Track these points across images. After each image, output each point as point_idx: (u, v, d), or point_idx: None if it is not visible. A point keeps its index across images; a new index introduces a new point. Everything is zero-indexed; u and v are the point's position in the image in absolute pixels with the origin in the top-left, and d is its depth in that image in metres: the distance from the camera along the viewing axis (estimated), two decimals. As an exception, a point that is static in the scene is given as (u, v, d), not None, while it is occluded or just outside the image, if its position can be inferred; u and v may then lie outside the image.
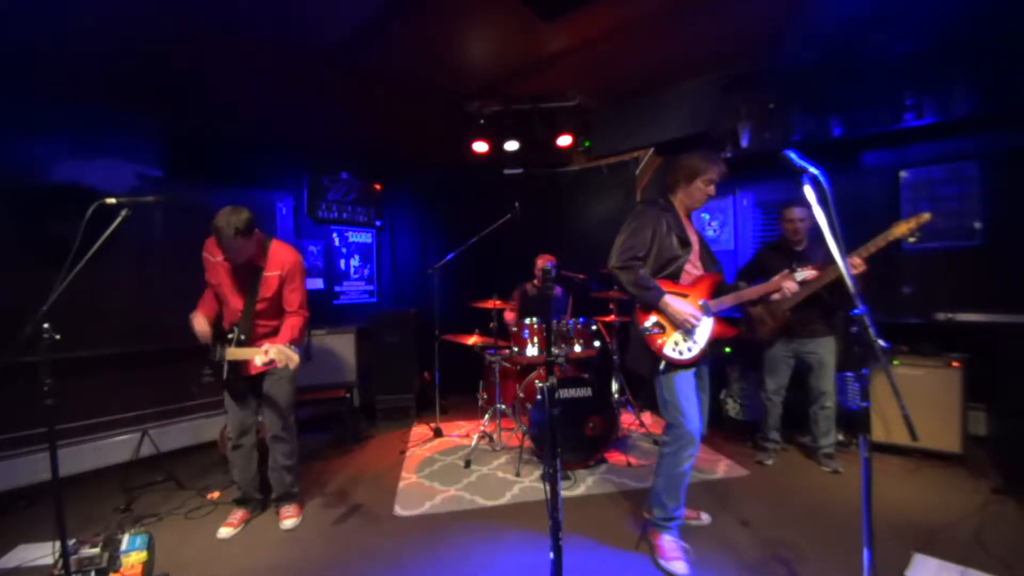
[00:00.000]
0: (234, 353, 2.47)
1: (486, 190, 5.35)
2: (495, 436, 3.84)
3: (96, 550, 2.11)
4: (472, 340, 3.96)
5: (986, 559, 2.12)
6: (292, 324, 2.58)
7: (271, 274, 2.56)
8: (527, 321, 3.64)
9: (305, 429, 2.93)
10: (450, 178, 5.66)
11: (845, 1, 2.94)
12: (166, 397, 3.86)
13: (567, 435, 3.19)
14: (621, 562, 2.25)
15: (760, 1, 2.96)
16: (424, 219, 5.89)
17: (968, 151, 3.53)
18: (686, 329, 2.21)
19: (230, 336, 2.52)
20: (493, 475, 3.28)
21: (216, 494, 3.04)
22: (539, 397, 3.31)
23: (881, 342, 1.42)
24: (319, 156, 4.99)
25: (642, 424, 4.08)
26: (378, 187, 5.47)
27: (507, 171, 5.29)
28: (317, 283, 4.99)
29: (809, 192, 1.57)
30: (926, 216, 2.54)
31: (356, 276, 5.36)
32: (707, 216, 4.75)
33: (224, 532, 2.57)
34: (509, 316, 4.08)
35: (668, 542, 2.21)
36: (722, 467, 3.27)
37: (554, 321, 3.52)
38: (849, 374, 3.47)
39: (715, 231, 4.72)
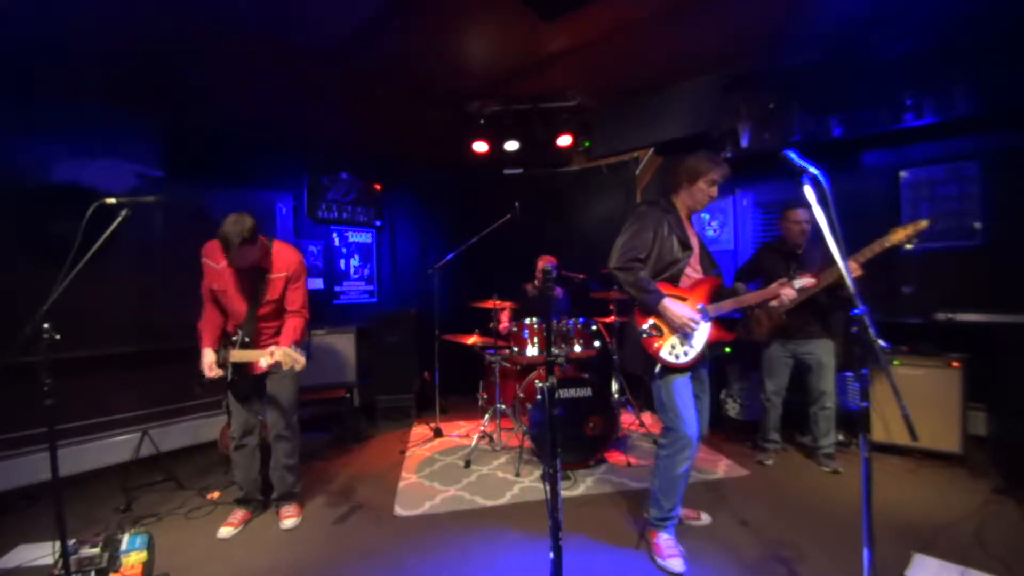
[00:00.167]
0: (239, 355, 2.48)
1: (486, 190, 5.35)
2: (495, 436, 3.85)
3: (96, 550, 2.11)
4: (472, 340, 3.95)
5: (986, 559, 2.12)
6: (294, 325, 2.58)
7: (276, 276, 2.56)
8: (527, 321, 3.64)
9: (305, 429, 2.93)
10: (450, 178, 5.66)
11: (845, 1, 2.94)
12: (166, 397, 3.86)
13: (567, 435, 3.19)
14: (621, 562, 2.25)
15: (760, 1, 2.96)
16: (424, 219, 5.89)
17: (968, 151, 3.53)
18: (684, 333, 2.20)
19: (234, 339, 2.52)
20: (493, 475, 3.28)
21: (216, 494, 3.04)
22: (539, 397, 3.31)
23: (881, 342, 1.42)
24: (319, 156, 4.99)
25: (642, 424, 4.08)
26: (378, 187, 5.47)
27: (507, 171, 5.29)
28: (317, 283, 4.99)
29: (809, 192, 1.57)
30: (924, 223, 2.54)
31: (356, 276, 5.35)
32: (707, 216, 4.75)
33: (224, 532, 2.57)
34: (503, 326, 4.03)
35: (664, 540, 2.23)
36: (722, 467, 3.27)
37: (554, 321, 3.52)
38: (849, 374, 3.48)
39: (715, 231, 4.72)
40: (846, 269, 1.52)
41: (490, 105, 4.32)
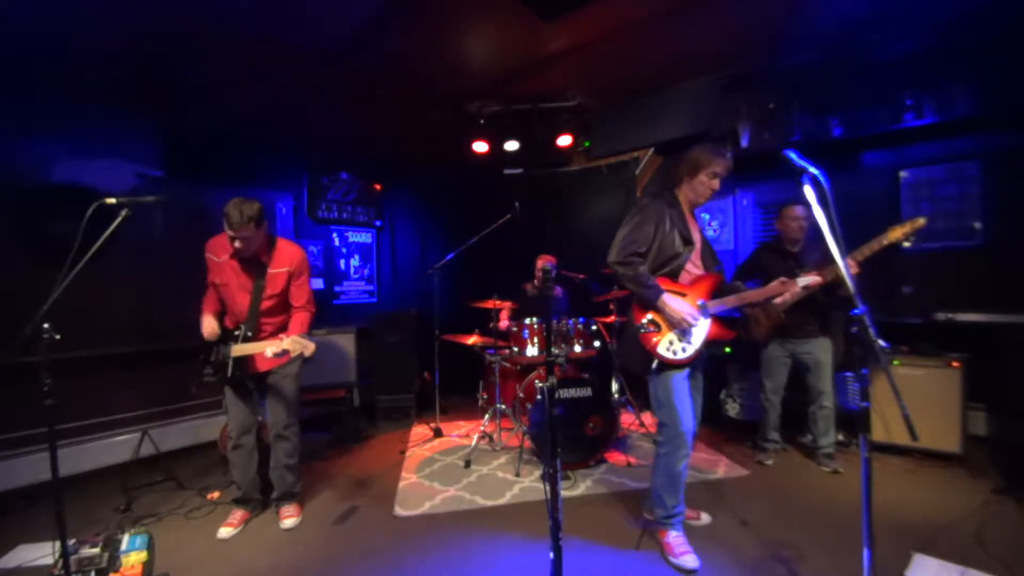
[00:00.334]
0: (241, 349, 2.48)
1: (486, 190, 5.35)
2: (495, 436, 3.84)
3: (96, 550, 2.11)
4: (472, 340, 3.96)
5: (986, 559, 2.12)
6: (301, 319, 2.61)
7: (278, 271, 2.57)
8: (527, 321, 3.64)
9: (305, 429, 2.93)
10: (450, 178, 5.66)
11: (845, 1, 2.94)
12: (166, 397, 3.86)
13: (567, 435, 3.19)
14: (621, 562, 2.25)
15: (760, 1, 2.96)
16: (424, 219, 5.89)
17: (968, 151, 3.53)
18: (682, 329, 2.19)
19: (236, 333, 2.52)
20: (493, 475, 3.28)
21: (216, 494, 3.04)
22: (539, 397, 3.31)
23: (881, 342, 1.42)
24: (319, 156, 4.99)
25: (642, 424, 4.08)
26: (378, 187, 5.47)
27: (507, 171, 5.29)
28: (317, 283, 4.99)
29: (809, 192, 1.57)
30: (921, 221, 2.54)
31: (356, 276, 5.35)
32: (707, 216, 4.75)
33: (224, 532, 2.57)
34: (503, 325, 4.02)
35: (675, 538, 2.22)
36: (722, 467, 3.27)
37: (554, 321, 3.52)
38: (849, 374, 3.48)
39: (715, 231, 4.72)
40: (846, 269, 1.52)
41: (490, 105, 4.32)
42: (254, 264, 2.55)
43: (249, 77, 3.52)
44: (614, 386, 4.15)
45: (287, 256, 2.61)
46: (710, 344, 2.25)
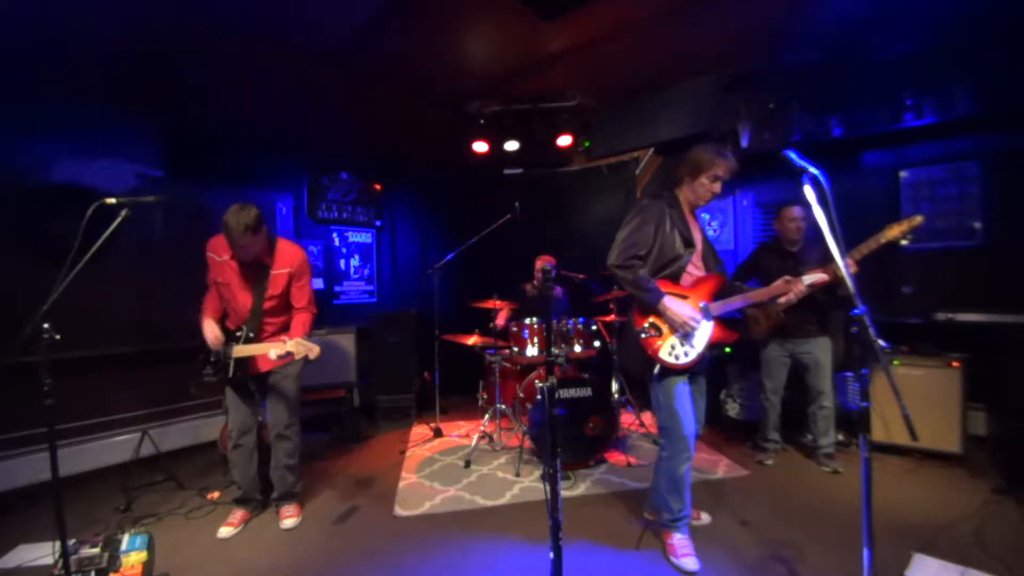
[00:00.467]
0: (242, 350, 2.48)
1: (486, 190, 5.35)
2: (495, 436, 3.85)
3: (96, 550, 2.11)
4: (472, 340, 3.96)
5: (986, 559, 2.12)
6: (303, 320, 2.61)
7: (280, 272, 2.58)
8: (527, 321, 3.64)
9: (305, 429, 2.93)
10: (450, 178, 5.66)
11: (845, 1, 2.94)
12: (166, 397, 3.86)
13: (567, 435, 3.19)
14: (621, 562, 2.25)
15: (760, 1, 2.96)
16: (424, 219, 5.89)
17: (968, 151, 3.53)
18: (684, 333, 2.16)
19: (238, 334, 2.53)
20: (493, 475, 3.28)
21: (216, 494, 3.04)
22: (539, 397, 3.31)
23: (881, 342, 1.42)
24: (319, 156, 4.99)
25: (642, 424, 4.08)
26: (378, 187, 5.47)
27: (507, 171, 5.29)
28: (317, 283, 4.98)
29: (809, 192, 1.57)
30: (918, 219, 2.54)
31: (356, 276, 5.36)
32: (707, 216, 4.75)
33: (224, 532, 2.57)
34: (500, 321, 4.02)
35: (678, 540, 2.22)
36: (722, 467, 3.27)
37: (554, 321, 3.52)
38: (849, 374, 3.47)
39: (715, 231, 4.72)
40: (846, 269, 1.52)
41: (490, 105, 4.32)
42: (256, 265, 2.55)
43: (249, 77, 3.52)
44: (614, 386, 4.15)
45: (288, 257, 2.61)
46: (711, 346, 2.23)
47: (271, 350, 2.35)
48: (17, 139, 3.27)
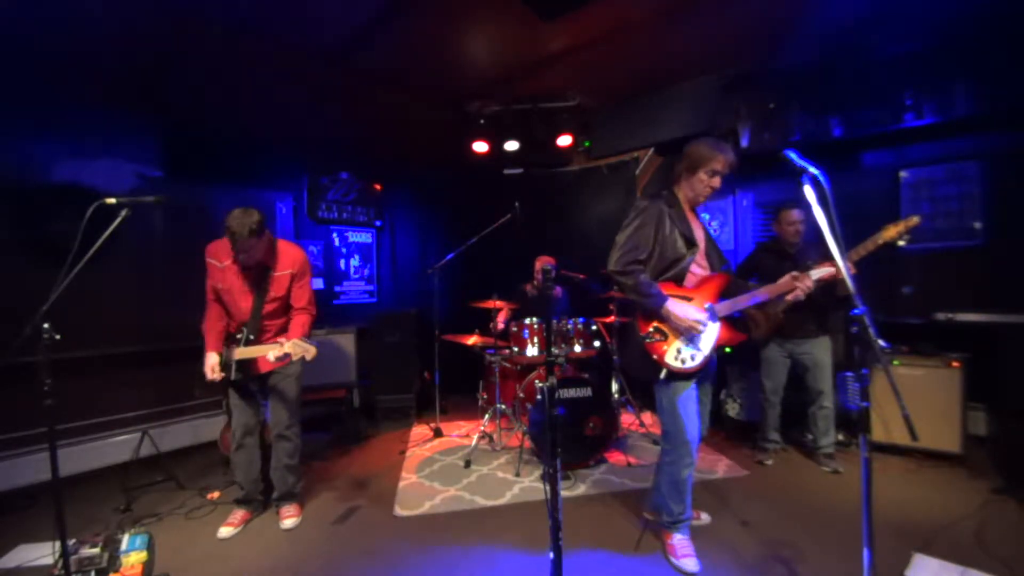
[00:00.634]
0: (243, 352, 2.48)
1: (486, 190, 5.35)
2: (495, 436, 3.84)
3: (96, 550, 2.11)
4: (472, 340, 3.95)
5: (986, 559, 2.12)
6: (302, 321, 2.61)
7: (281, 273, 2.58)
8: (527, 321, 3.64)
9: (305, 429, 2.93)
10: (450, 178, 5.66)
11: (845, 1, 2.94)
12: (166, 397, 3.86)
13: (567, 435, 3.19)
14: (621, 562, 2.25)
15: (760, 1, 2.96)
16: (424, 219, 5.89)
17: (968, 151, 3.53)
18: (691, 335, 2.10)
19: (238, 336, 2.52)
20: (493, 475, 3.28)
21: (216, 494, 3.04)
22: (539, 397, 3.31)
23: (881, 342, 1.42)
24: (319, 156, 4.99)
25: (642, 424, 4.08)
26: (378, 187, 5.47)
27: (507, 171, 5.29)
28: (317, 283, 4.99)
29: (809, 192, 1.57)
30: (915, 220, 2.53)
31: (356, 276, 5.36)
32: (707, 216, 4.75)
33: (224, 532, 2.57)
34: (500, 321, 4.01)
35: (679, 540, 2.22)
36: (722, 467, 3.27)
37: (554, 321, 3.52)
38: (849, 374, 3.47)
39: (715, 231, 4.72)
40: (846, 269, 1.52)
41: (490, 105, 4.32)
42: (257, 268, 2.55)
43: (249, 77, 3.52)
44: (614, 386, 4.15)
45: (289, 258, 2.61)
46: (717, 347, 2.17)
47: (270, 352, 2.35)
48: (17, 139, 3.27)
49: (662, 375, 2.11)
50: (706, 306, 2.15)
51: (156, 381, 3.82)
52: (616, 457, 3.45)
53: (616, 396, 4.03)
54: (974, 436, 3.24)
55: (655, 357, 2.11)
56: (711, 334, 2.15)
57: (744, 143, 3.94)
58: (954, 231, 3.59)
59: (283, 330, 2.65)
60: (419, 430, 4.30)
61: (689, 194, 2.23)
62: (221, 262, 2.55)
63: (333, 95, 3.96)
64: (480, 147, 4.57)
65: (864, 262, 2.67)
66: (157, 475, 3.34)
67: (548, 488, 1.55)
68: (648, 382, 2.20)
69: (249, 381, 2.63)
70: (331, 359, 4.29)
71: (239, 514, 2.68)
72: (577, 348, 3.49)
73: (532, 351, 3.57)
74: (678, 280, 2.18)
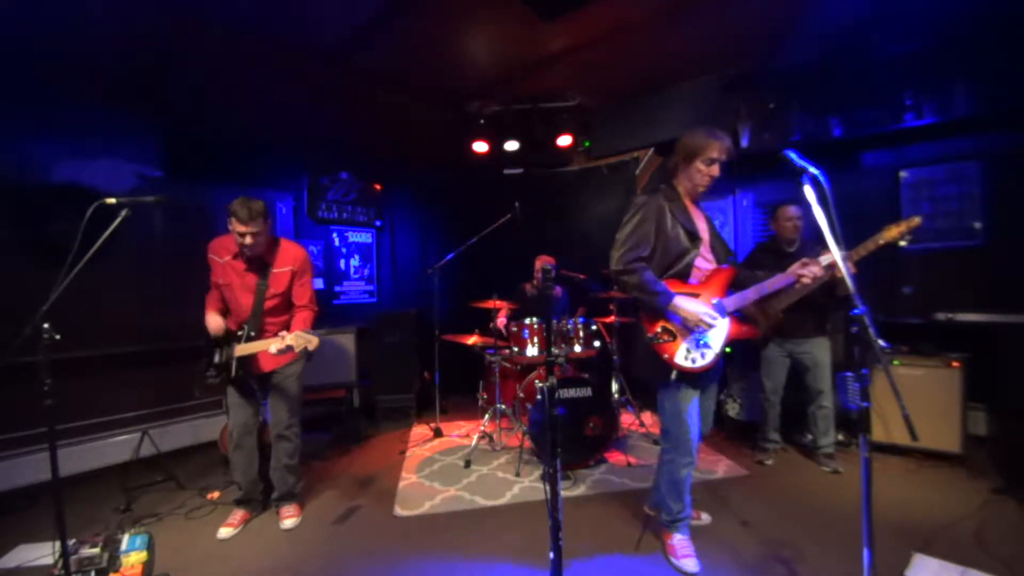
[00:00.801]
0: (244, 348, 2.48)
1: (486, 190, 5.35)
2: (495, 436, 3.84)
3: (96, 550, 2.11)
4: (472, 340, 3.95)
5: (986, 559, 2.12)
6: (304, 317, 2.62)
7: (282, 270, 2.59)
8: (527, 321, 3.64)
9: (305, 429, 2.93)
10: (450, 178, 5.66)
11: (845, 1, 2.94)
12: (166, 397, 3.86)
13: (567, 435, 3.18)
14: (621, 562, 2.25)
15: (760, 1, 2.96)
16: (424, 219, 5.89)
17: (968, 151, 3.53)
18: (699, 333, 2.04)
19: (239, 333, 2.53)
20: (493, 475, 3.28)
21: (216, 494, 3.04)
22: (539, 397, 3.31)
23: (881, 342, 1.42)
24: (319, 156, 4.99)
25: (642, 424, 4.08)
26: (378, 187, 5.47)
27: (507, 171, 5.29)
28: (317, 283, 4.99)
29: (809, 192, 1.57)
30: (916, 220, 2.53)
31: (356, 276, 5.36)
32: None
33: (224, 532, 2.56)
34: (499, 321, 4.01)
35: (678, 540, 2.21)
36: (722, 467, 3.27)
37: (554, 321, 3.52)
38: (849, 374, 3.47)
39: (715, 231, 4.72)
40: (846, 269, 1.52)
41: (490, 105, 4.32)
42: (257, 264, 2.56)
43: (249, 77, 3.52)
44: (614, 386, 4.15)
45: (290, 255, 2.62)
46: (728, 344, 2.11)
47: (271, 345, 2.35)
48: (17, 139, 3.27)
49: (673, 376, 2.05)
50: (713, 302, 2.09)
51: (156, 381, 3.82)
52: (616, 457, 3.45)
53: (616, 396, 4.03)
54: (974, 436, 3.24)
55: (664, 358, 2.04)
56: (720, 331, 2.09)
57: (744, 143, 3.94)
58: (954, 231, 3.59)
59: (285, 328, 2.65)
60: (419, 430, 4.30)
61: (688, 186, 2.17)
62: (222, 257, 2.56)
63: (333, 95, 3.96)
64: (480, 147, 4.57)
65: (864, 262, 2.67)
66: (157, 475, 3.34)
67: (548, 488, 1.55)
68: (657, 384, 2.15)
69: (250, 379, 2.63)
70: (331, 359, 4.29)
71: (239, 514, 2.68)
72: (577, 348, 3.49)
73: (532, 351, 3.57)
74: (683, 276, 2.12)
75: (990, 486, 2.79)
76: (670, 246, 2.10)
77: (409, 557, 2.35)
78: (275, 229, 4.67)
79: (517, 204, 3.90)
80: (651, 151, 4.70)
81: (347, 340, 4.40)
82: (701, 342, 2.06)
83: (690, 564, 2.12)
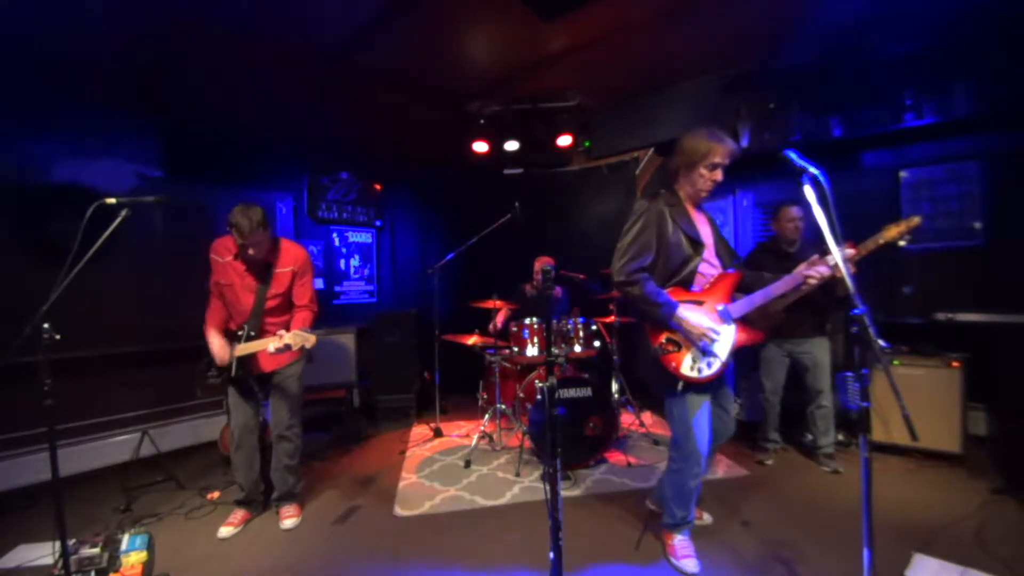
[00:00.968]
0: (244, 348, 2.48)
1: (486, 190, 5.35)
2: (495, 436, 3.84)
3: (96, 550, 2.11)
4: (472, 340, 3.95)
5: (986, 559, 2.12)
6: (303, 317, 2.62)
7: (283, 270, 2.59)
8: (527, 321, 3.64)
9: (305, 429, 2.93)
10: (450, 178, 5.66)
11: (845, 1, 2.94)
12: (166, 397, 3.86)
13: (567, 435, 3.18)
14: (621, 562, 2.25)
15: (760, 1, 2.96)
16: (424, 219, 5.89)
17: (968, 151, 3.53)
18: (705, 343, 1.99)
19: (239, 333, 2.53)
20: (493, 475, 3.28)
21: (216, 494, 3.04)
22: (539, 397, 3.31)
23: (881, 342, 1.42)
24: (319, 156, 4.99)
25: (642, 424, 4.07)
26: (378, 187, 5.47)
27: (507, 171, 5.29)
28: (317, 283, 4.99)
29: (809, 192, 1.57)
30: (916, 220, 2.52)
31: (356, 276, 5.35)
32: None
33: (224, 532, 2.57)
34: (499, 321, 3.99)
35: (680, 541, 2.21)
36: (722, 467, 3.27)
37: (554, 321, 3.52)
38: (849, 374, 3.47)
39: (715, 231, 4.72)
40: (846, 269, 1.52)
41: (490, 105, 4.32)
42: (259, 264, 2.56)
43: (249, 77, 3.52)
44: (614, 386, 4.15)
45: (291, 255, 2.63)
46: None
47: (270, 344, 2.35)
48: (17, 139, 3.27)
49: (679, 387, 2.01)
50: (719, 309, 2.06)
51: (156, 381, 3.82)
52: (616, 457, 3.45)
53: (616, 396, 4.03)
54: (974, 436, 3.24)
55: (671, 368, 2.01)
56: (727, 338, 2.05)
57: (744, 143, 3.94)
58: (954, 231, 3.59)
59: (284, 329, 2.65)
60: (419, 430, 4.30)
61: (690, 191, 2.12)
62: (223, 257, 2.56)
63: (333, 95, 3.96)
64: (480, 147, 4.57)
65: (864, 262, 2.67)
66: (157, 475, 3.34)
67: (548, 488, 1.55)
68: (664, 394, 2.11)
69: (250, 379, 2.63)
70: (331, 359, 4.29)
71: (239, 514, 2.68)
72: (577, 348, 3.49)
73: (532, 351, 3.57)
74: (687, 284, 2.07)
75: (990, 486, 2.79)
76: (672, 254, 2.05)
77: (409, 557, 2.35)
78: (275, 229, 4.67)
79: (517, 204, 3.90)
80: (651, 151, 4.70)
81: (347, 340, 4.40)
82: (707, 351, 2.02)
83: (690, 565, 2.12)
